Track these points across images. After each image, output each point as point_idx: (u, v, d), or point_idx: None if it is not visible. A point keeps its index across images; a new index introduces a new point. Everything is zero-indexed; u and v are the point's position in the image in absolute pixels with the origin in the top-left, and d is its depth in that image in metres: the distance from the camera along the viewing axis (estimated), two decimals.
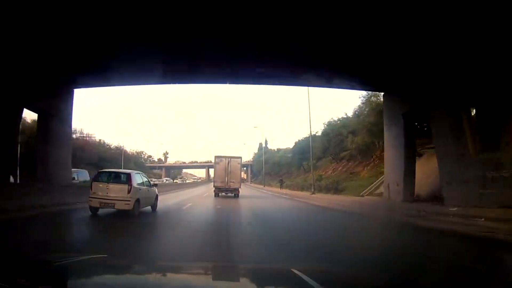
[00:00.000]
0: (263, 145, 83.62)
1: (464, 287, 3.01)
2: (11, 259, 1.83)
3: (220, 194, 20.71)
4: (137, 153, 71.99)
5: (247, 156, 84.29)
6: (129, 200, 9.07)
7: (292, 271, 1.77)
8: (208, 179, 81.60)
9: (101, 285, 1.57)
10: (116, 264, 2.22)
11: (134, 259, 3.81)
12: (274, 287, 1.78)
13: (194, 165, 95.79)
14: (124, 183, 9.35)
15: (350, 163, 31.60)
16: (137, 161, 66.01)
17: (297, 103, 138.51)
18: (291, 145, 60.82)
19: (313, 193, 23.87)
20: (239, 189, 21.00)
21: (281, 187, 37.48)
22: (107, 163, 38.24)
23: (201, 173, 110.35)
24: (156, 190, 11.76)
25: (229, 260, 4.58)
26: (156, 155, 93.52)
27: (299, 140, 46.51)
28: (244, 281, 1.97)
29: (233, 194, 20.51)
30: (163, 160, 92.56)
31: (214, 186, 21.24)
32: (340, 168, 33.33)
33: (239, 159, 22.03)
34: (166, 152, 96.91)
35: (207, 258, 4.71)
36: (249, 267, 2.51)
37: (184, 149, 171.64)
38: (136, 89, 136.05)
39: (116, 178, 9.70)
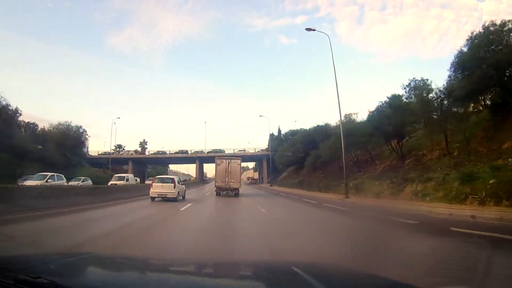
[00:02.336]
0: (275, 133, 60.57)
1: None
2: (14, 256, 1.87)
3: (221, 193, 21.61)
4: (68, 128, 43.02)
5: (260, 142, 67.49)
6: (174, 192, 16.02)
7: (292, 269, 1.76)
8: (201, 179, 62.94)
9: (100, 281, 1.57)
10: (115, 261, 2.22)
11: (133, 255, 3.78)
12: (273, 287, 1.75)
13: (174, 156, 65.18)
14: (171, 182, 16.40)
15: None
16: (65, 143, 38.81)
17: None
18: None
19: None
20: (239, 189, 21.99)
21: None
22: None
23: (190, 170, 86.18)
24: (184, 186, 19.79)
25: None
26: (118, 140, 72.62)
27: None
28: (243, 279, 1.94)
29: (233, 193, 21.46)
30: (139, 151, 69.98)
31: (215, 185, 22.34)
32: None
33: (239, 160, 23.34)
34: (143, 140, 73.50)
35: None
36: (249, 264, 2.48)
37: (171, 136, 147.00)
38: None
39: (166, 180, 16.96)
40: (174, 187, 16.10)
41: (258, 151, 62.84)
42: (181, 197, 17.09)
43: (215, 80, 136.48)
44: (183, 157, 65.09)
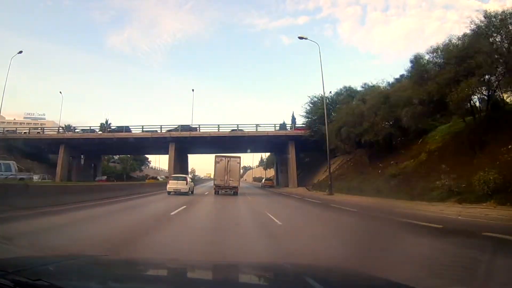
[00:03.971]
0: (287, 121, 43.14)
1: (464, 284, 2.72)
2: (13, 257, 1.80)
3: (220, 192, 21.85)
4: None
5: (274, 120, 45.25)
6: (186, 188, 20.08)
7: (305, 279, 1.67)
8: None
9: (100, 284, 1.56)
10: (115, 263, 2.19)
11: (134, 257, 3.77)
12: None
13: (114, 136, 37.38)
14: (184, 180, 20.73)
15: None
16: None
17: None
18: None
19: None
20: (238, 187, 22.37)
21: None
22: None
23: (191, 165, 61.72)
24: (193, 183, 25.69)
25: None
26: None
27: None
28: (247, 285, 1.83)
29: (232, 192, 21.73)
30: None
31: (214, 184, 22.61)
32: None
33: (239, 159, 23.57)
34: (106, 121, 53.21)
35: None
36: (256, 267, 2.36)
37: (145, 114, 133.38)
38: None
39: (180, 178, 21.16)
40: (186, 184, 20.27)
41: (278, 131, 37.60)
42: (190, 192, 20.82)
43: (214, 79, 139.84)
44: (152, 139, 36.89)
